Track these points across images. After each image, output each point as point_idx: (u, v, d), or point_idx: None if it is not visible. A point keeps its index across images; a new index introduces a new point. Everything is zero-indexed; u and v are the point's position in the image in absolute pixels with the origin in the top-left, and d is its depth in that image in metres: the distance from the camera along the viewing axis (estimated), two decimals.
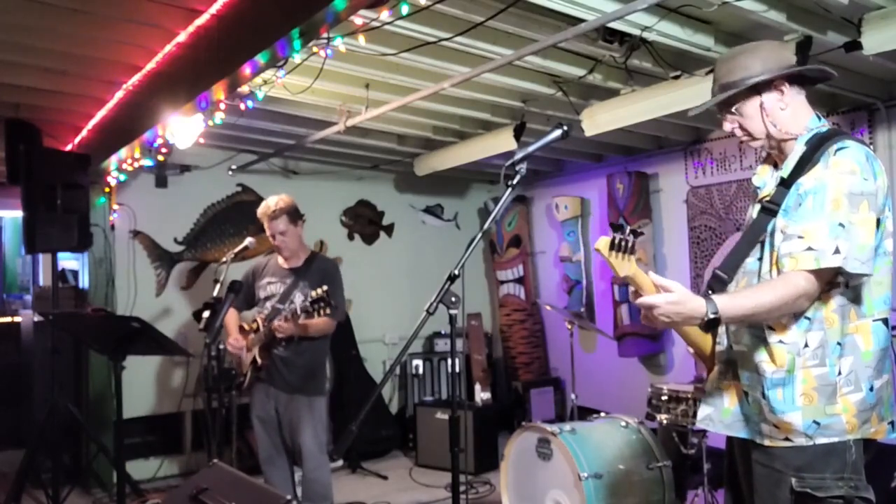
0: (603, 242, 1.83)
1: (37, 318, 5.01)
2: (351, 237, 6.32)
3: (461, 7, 2.98)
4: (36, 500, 4.48)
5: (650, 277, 1.82)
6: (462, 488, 2.26)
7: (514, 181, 2.02)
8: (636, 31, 3.17)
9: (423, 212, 6.74)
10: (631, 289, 1.89)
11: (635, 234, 1.88)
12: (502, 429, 5.63)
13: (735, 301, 1.77)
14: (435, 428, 5.38)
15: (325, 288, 3.34)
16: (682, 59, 3.56)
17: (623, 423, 3.64)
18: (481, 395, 5.58)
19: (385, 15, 2.86)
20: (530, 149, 2.04)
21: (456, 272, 1.98)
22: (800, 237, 1.76)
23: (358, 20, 2.91)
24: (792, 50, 3.15)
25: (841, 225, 1.74)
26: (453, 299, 2.00)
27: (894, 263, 1.89)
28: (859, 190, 1.76)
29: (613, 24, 3.08)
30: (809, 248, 1.74)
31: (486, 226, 2.08)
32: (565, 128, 2.06)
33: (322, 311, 3.32)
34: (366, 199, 6.40)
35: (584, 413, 4.31)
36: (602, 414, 3.94)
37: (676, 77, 3.70)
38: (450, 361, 2.59)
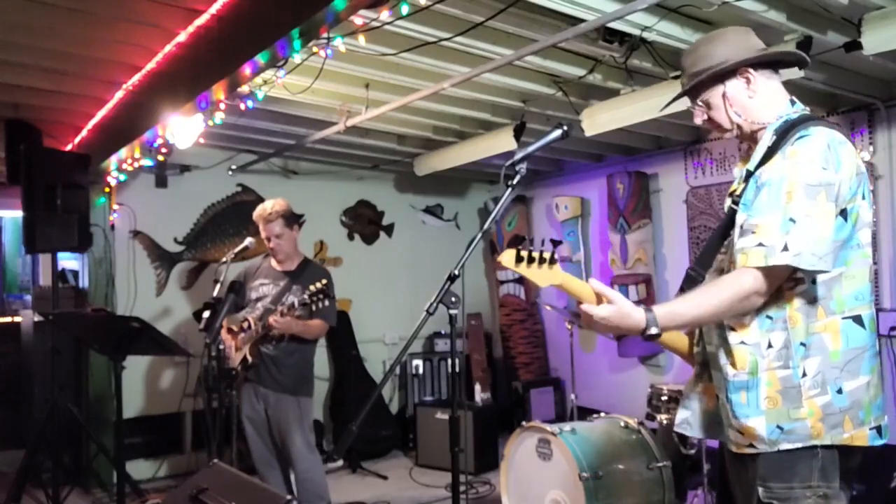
0: (507, 257, 1.75)
1: (37, 318, 5.01)
2: (351, 237, 6.32)
3: (461, 7, 2.98)
4: (36, 500, 4.47)
5: (591, 285, 1.77)
6: (462, 488, 2.26)
7: (514, 181, 1.99)
8: (636, 31, 3.17)
9: (423, 212, 6.74)
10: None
11: (554, 243, 1.84)
12: (502, 429, 5.63)
13: (677, 310, 1.72)
14: (435, 428, 5.38)
15: (323, 281, 3.38)
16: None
17: (623, 423, 3.64)
18: (481, 395, 5.58)
19: (385, 15, 2.86)
20: (530, 149, 2.02)
21: (456, 272, 1.97)
22: (753, 232, 1.68)
23: (358, 20, 2.92)
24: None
25: (791, 220, 1.64)
26: (453, 299, 1.99)
27: (884, 257, 1.85)
28: (816, 181, 1.65)
29: (613, 24, 3.08)
30: (760, 244, 1.66)
31: (486, 226, 2.07)
32: (565, 128, 2.05)
33: (321, 304, 3.34)
34: (366, 199, 6.40)
35: (584, 413, 4.31)
36: (602, 414, 3.94)
37: (676, 77, 3.70)
38: (450, 361, 2.60)
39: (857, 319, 1.73)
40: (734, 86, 1.84)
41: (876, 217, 4.18)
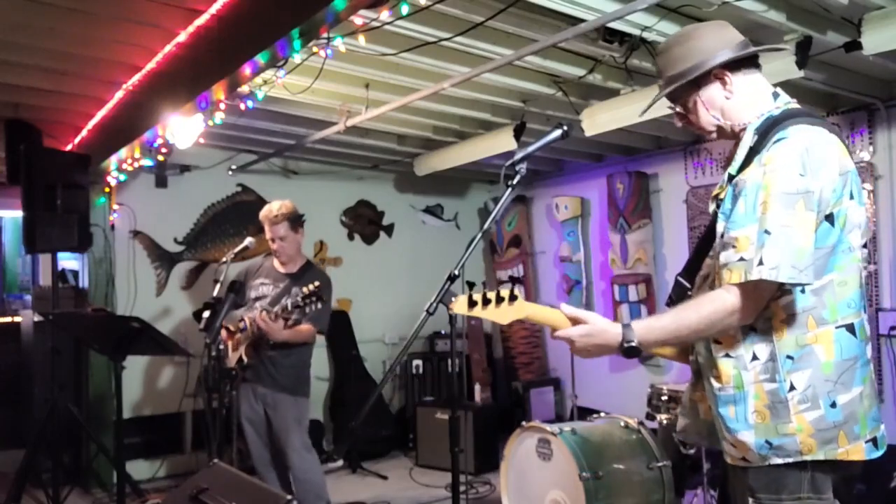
0: (459, 304, 1.76)
1: (37, 318, 5.01)
2: (351, 237, 6.32)
3: (461, 7, 2.98)
4: (36, 500, 4.47)
5: (561, 310, 1.76)
6: (462, 488, 2.26)
7: (514, 181, 1.98)
8: (636, 31, 3.17)
9: (423, 212, 6.74)
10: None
11: (513, 280, 1.83)
12: (502, 429, 5.62)
13: (655, 324, 1.70)
14: (435, 428, 5.38)
15: (316, 283, 3.38)
16: None
17: (623, 423, 3.64)
18: (481, 395, 5.58)
19: (385, 15, 2.86)
20: (530, 149, 2.02)
21: (456, 272, 1.97)
22: (733, 246, 1.62)
23: (358, 20, 2.92)
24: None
25: (767, 231, 1.57)
26: (453, 299, 1.99)
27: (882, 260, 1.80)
28: (794, 188, 1.58)
29: (613, 24, 3.08)
30: (742, 259, 1.60)
31: (486, 226, 2.06)
32: (565, 128, 2.04)
33: (314, 306, 3.35)
34: (366, 199, 6.40)
35: (584, 413, 4.31)
36: (602, 414, 3.94)
37: None
38: (450, 361, 2.60)
39: (850, 328, 1.66)
40: (710, 89, 1.78)
41: (876, 217, 4.18)
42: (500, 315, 1.76)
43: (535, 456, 3.54)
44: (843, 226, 1.65)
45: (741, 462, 1.70)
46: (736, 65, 1.76)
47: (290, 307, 3.41)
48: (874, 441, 1.68)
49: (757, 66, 1.81)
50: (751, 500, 1.68)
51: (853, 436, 1.64)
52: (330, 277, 3.81)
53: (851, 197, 1.66)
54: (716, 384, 1.71)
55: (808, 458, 1.62)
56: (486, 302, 1.74)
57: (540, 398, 6.12)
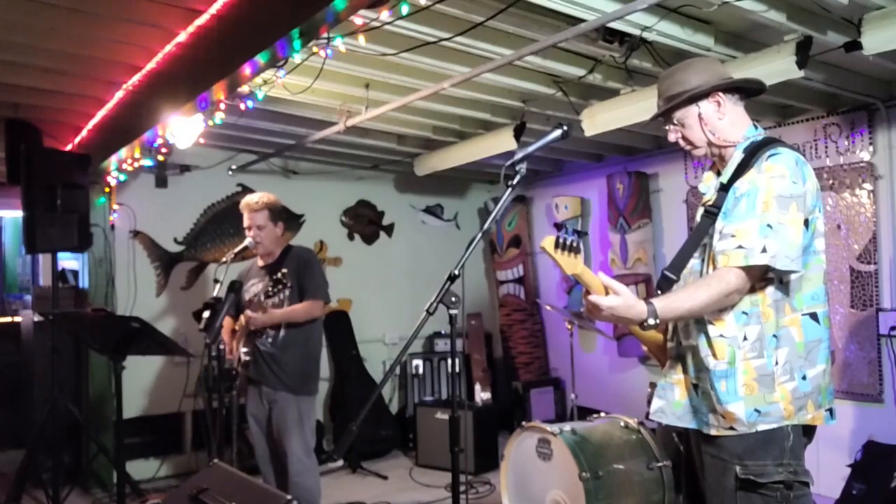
0: (548, 241, 1.94)
1: (37, 318, 5.01)
2: (351, 237, 6.32)
3: (461, 7, 2.98)
4: (36, 500, 4.48)
5: (599, 278, 1.94)
6: (462, 488, 2.26)
7: (514, 181, 2.05)
8: (636, 31, 3.17)
9: (423, 212, 6.74)
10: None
11: (579, 234, 1.96)
12: (502, 429, 5.63)
13: (673, 303, 1.90)
14: (435, 428, 5.38)
15: (284, 271, 3.44)
16: (681, 59, 3.52)
17: (623, 423, 3.64)
18: (481, 395, 5.58)
19: (385, 15, 2.86)
20: (530, 149, 2.05)
21: (456, 272, 1.98)
22: (732, 236, 1.89)
23: (358, 20, 2.92)
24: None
25: (769, 226, 1.85)
26: (453, 299, 2.00)
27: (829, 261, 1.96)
28: (788, 193, 1.88)
29: (613, 24, 3.08)
30: (740, 247, 1.86)
31: (486, 226, 2.09)
32: (565, 128, 2.08)
33: (284, 292, 3.44)
34: (366, 199, 6.40)
35: (584, 413, 4.31)
36: (602, 414, 3.94)
37: None
38: (450, 361, 2.59)
39: (814, 316, 1.96)
40: (706, 107, 2.05)
41: (876, 217, 4.18)
42: (567, 264, 1.93)
43: (535, 456, 3.54)
44: (813, 232, 1.95)
45: (728, 431, 1.92)
46: (727, 92, 2.06)
47: (262, 298, 3.47)
48: (830, 411, 1.99)
49: (742, 98, 2.09)
50: (738, 467, 1.89)
51: (817, 404, 1.95)
52: (312, 250, 3.85)
53: (819, 211, 1.97)
54: (712, 361, 1.94)
55: (787, 423, 1.90)
56: (563, 247, 1.92)
57: (540, 398, 6.12)
